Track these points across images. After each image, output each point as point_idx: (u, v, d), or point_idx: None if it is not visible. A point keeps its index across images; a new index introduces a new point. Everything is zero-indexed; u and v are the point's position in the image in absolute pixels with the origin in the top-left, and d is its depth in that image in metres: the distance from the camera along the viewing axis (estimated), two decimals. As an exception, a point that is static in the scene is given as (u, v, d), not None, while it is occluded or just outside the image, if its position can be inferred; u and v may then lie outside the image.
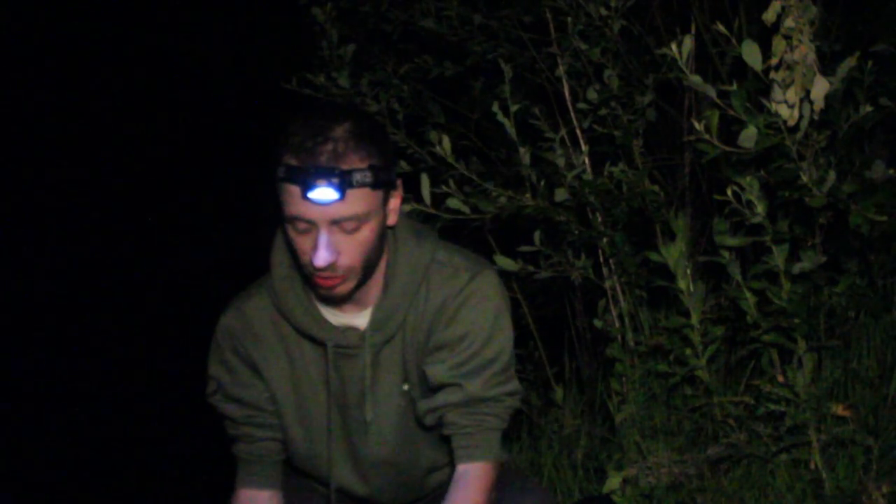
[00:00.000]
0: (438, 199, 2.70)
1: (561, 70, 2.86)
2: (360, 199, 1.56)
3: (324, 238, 1.55)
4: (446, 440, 1.81)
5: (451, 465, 1.89)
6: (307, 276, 1.65)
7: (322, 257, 1.54)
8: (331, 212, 1.54)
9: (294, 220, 1.57)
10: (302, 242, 1.59)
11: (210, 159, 7.02)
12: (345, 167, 1.52)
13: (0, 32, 7.13)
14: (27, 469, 4.85)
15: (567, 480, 2.79)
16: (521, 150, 2.69)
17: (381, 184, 1.58)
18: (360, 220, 1.57)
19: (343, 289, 1.64)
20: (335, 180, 1.50)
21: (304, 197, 1.52)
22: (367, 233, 1.60)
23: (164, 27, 6.93)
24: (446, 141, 2.68)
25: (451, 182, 2.69)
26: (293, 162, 1.53)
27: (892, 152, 2.73)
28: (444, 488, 1.87)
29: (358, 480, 1.87)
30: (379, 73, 3.34)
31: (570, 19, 2.70)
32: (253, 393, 1.81)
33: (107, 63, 7.45)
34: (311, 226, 1.56)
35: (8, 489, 4.59)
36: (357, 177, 1.53)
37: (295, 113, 1.63)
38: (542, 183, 2.71)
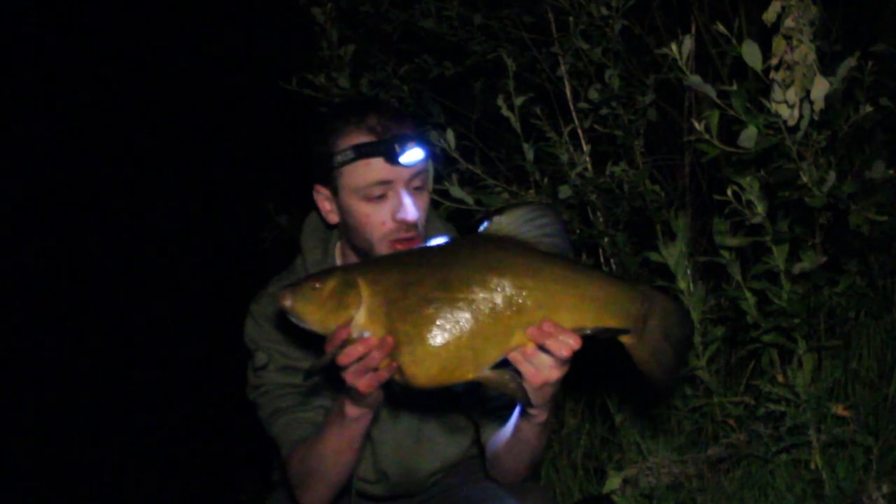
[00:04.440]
0: (439, 196, 2.70)
1: (562, 70, 2.86)
2: (426, 162, 1.78)
3: (408, 195, 1.73)
4: (452, 451, 1.96)
5: (450, 469, 2.01)
6: (379, 248, 1.74)
7: (412, 211, 1.72)
8: (411, 170, 1.73)
9: (373, 187, 1.71)
10: (378, 212, 1.73)
11: (209, 158, 7.02)
12: (412, 133, 1.76)
13: (1, 32, 7.13)
14: (26, 468, 4.86)
15: (567, 480, 2.79)
16: (525, 146, 2.69)
17: (432, 153, 1.87)
18: (426, 179, 1.78)
19: None
20: (418, 141, 1.73)
21: (394, 162, 1.70)
22: (427, 197, 1.80)
23: (164, 28, 6.93)
24: (450, 134, 2.68)
25: (454, 177, 2.69)
26: (365, 139, 1.70)
27: (892, 152, 2.73)
28: (438, 487, 2.01)
29: (370, 465, 1.93)
30: (379, 73, 3.34)
31: (571, 19, 2.70)
32: (300, 364, 1.85)
33: (106, 63, 7.45)
34: (389, 191, 1.72)
35: (8, 489, 4.60)
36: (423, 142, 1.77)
37: (317, 117, 1.71)
38: (546, 180, 2.71)
